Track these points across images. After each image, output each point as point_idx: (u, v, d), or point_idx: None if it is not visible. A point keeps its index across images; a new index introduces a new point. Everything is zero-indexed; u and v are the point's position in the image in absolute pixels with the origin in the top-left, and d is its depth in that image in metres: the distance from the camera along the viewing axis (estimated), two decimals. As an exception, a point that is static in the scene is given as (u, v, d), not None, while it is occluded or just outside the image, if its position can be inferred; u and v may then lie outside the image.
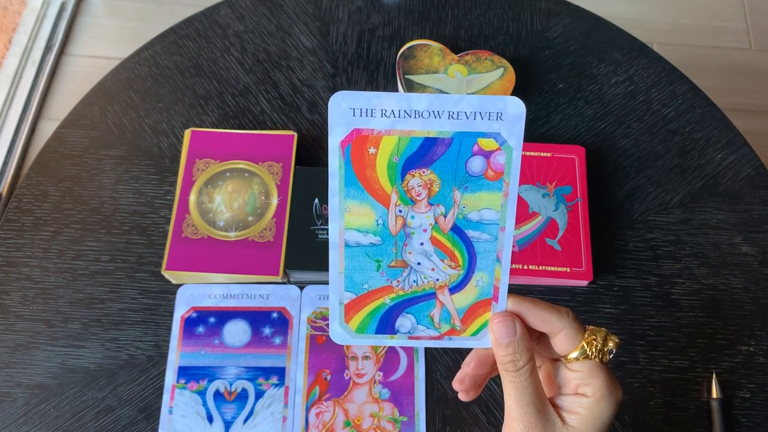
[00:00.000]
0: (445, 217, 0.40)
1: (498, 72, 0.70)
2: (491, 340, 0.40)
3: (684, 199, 0.68)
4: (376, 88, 0.74)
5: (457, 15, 0.79)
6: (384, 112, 0.37)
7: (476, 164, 0.39)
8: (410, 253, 0.41)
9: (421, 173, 0.39)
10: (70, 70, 1.44)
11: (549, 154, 0.67)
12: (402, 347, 0.60)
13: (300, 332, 0.61)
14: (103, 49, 1.46)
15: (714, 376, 0.60)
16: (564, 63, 0.76)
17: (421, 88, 0.70)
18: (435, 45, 0.72)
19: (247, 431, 0.57)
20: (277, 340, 0.61)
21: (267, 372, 0.59)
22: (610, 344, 0.39)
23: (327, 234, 0.61)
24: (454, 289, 0.41)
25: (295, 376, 0.59)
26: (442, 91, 0.69)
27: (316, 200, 0.64)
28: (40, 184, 0.68)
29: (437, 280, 0.41)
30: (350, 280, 0.40)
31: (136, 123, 0.71)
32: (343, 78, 0.74)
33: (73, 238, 0.65)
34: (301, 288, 0.63)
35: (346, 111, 0.37)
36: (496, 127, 0.37)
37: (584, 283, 0.63)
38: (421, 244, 0.40)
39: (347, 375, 0.59)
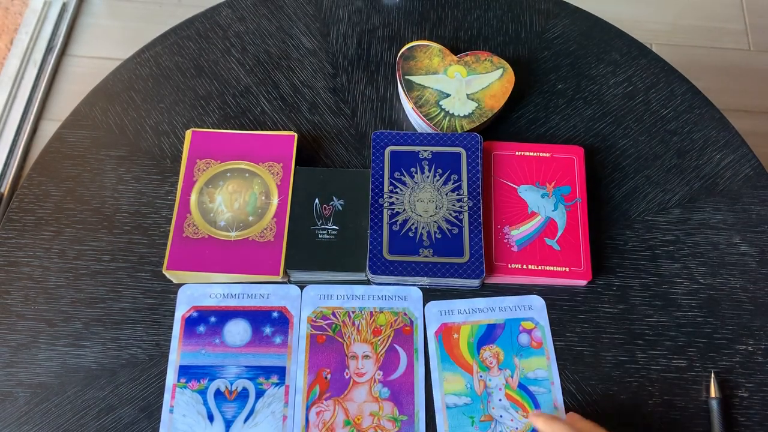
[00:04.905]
0: (512, 377, 0.58)
1: (497, 72, 0.71)
2: None
3: (682, 199, 0.68)
4: (376, 89, 0.74)
5: (456, 16, 0.79)
6: (459, 311, 0.61)
7: (524, 339, 0.60)
8: (494, 408, 0.57)
9: (490, 348, 0.59)
10: (72, 70, 1.44)
11: (548, 155, 0.67)
12: (401, 346, 0.61)
13: (300, 331, 0.61)
14: (104, 49, 1.47)
15: (713, 375, 0.60)
16: (563, 64, 0.76)
17: (421, 88, 0.70)
18: (435, 46, 0.73)
19: (247, 430, 0.57)
20: (278, 340, 0.61)
21: (267, 371, 0.60)
22: None
23: (327, 234, 0.62)
24: None
25: (295, 376, 0.59)
26: (441, 92, 0.70)
27: (316, 200, 0.64)
28: (41, 184, 0.68)
29: (516, 428, 0.56)
30: None
31: (137, 123, 0.72)
32: (343, 78, 0.75)
33: (75, 238, 0.65)
34: (302, 287, 0.63)
35: (436, 313, 0.61)
36: (530, 314, 0.61)
37: (583, 282, 0.63)
38: (500, 400, 0.57)
39: (347, 374, 0.60)
